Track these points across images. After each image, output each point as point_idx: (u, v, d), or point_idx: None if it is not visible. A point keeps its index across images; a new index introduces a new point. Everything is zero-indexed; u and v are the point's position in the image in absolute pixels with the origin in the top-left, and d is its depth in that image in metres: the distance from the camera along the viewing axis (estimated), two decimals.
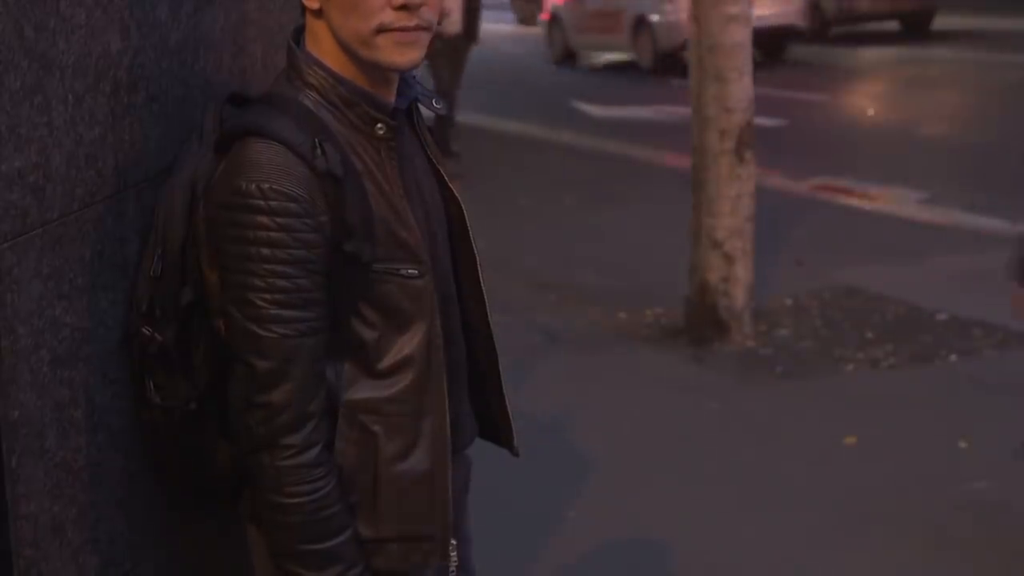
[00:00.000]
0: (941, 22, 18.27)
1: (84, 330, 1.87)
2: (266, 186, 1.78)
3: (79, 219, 1.85)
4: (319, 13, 1.89)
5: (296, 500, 1.83)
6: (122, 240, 1.97)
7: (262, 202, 1.78)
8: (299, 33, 1.96)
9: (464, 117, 12.30)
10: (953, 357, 5.74)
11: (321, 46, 1.91)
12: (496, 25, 23.93)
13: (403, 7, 1.84)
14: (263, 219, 1.78)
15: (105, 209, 1.92)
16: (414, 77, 2.04)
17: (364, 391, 1.92)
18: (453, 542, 2.01)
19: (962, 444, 4.75)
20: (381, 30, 1.85)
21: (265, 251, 1.78)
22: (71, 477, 1.85)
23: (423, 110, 2.10)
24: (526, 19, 24.57)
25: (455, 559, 2.03)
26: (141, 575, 2.06)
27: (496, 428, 2.22)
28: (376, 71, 1.91)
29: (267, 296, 1.79)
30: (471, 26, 11.08)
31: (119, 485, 1.98)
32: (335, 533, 1.87)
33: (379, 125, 1.91)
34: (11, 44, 1.67)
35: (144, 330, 1.94)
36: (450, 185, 2.07)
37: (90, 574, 1.91)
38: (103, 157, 1.90)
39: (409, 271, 1.90)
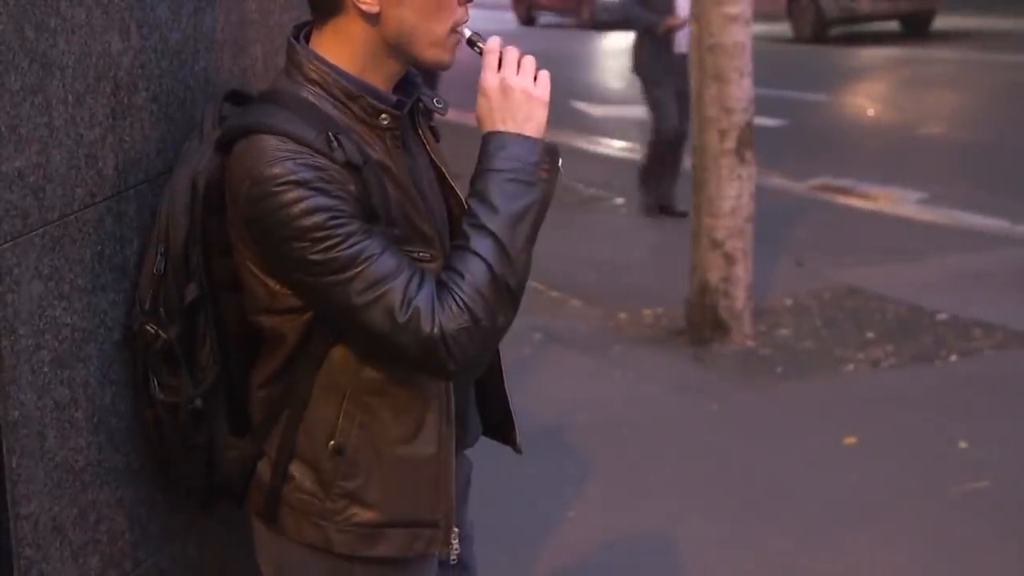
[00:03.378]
0: (941, 22, 18.27)
1: (84, 330, 1.87)
2: (289, 163, 1.78)
3: (79, 219, 1.85)
4: (375, 18, 1.87)
5: (487, 317, 1.84)
6: (122, 240, 1.97)
7: (292, 176, 1.77)
8: (299, 30, 1.96)
9: (461, 117, 12.27)
10: (953, 357, 5.74)
11: (352, 48, 1.89)
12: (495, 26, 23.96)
13: (467, 1, 1.91)
14: (297, 192, 1.77)
15: (105, 209, 1.92)
16: (416, 77, 2.04)
17: (372, 373, 1.92)
18: (456, 529, 2.02)
19: (962, 444, 4.75)
20: (454, 28, 1.91)
21: (314, 218, 1.76)
22: (71, 477, 1.85)
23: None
24: None
25: (456, 548, 2.04)
26: None
27: (498, 426, 2.23)
28: (392, 72, 1.93)
29: (331, 246, 1.77)
30: None
31: (119, 485, 1.98)
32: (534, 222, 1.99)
33: (383, 116, 1.91)
34: (11, 44, 1.68)
35: (148, 328, 1.93)
36: (452, 183, 2.07)
37: (90, 574, 1.91)
38: (103, 157, 1.90)
39: (422, 254, 1.91)
